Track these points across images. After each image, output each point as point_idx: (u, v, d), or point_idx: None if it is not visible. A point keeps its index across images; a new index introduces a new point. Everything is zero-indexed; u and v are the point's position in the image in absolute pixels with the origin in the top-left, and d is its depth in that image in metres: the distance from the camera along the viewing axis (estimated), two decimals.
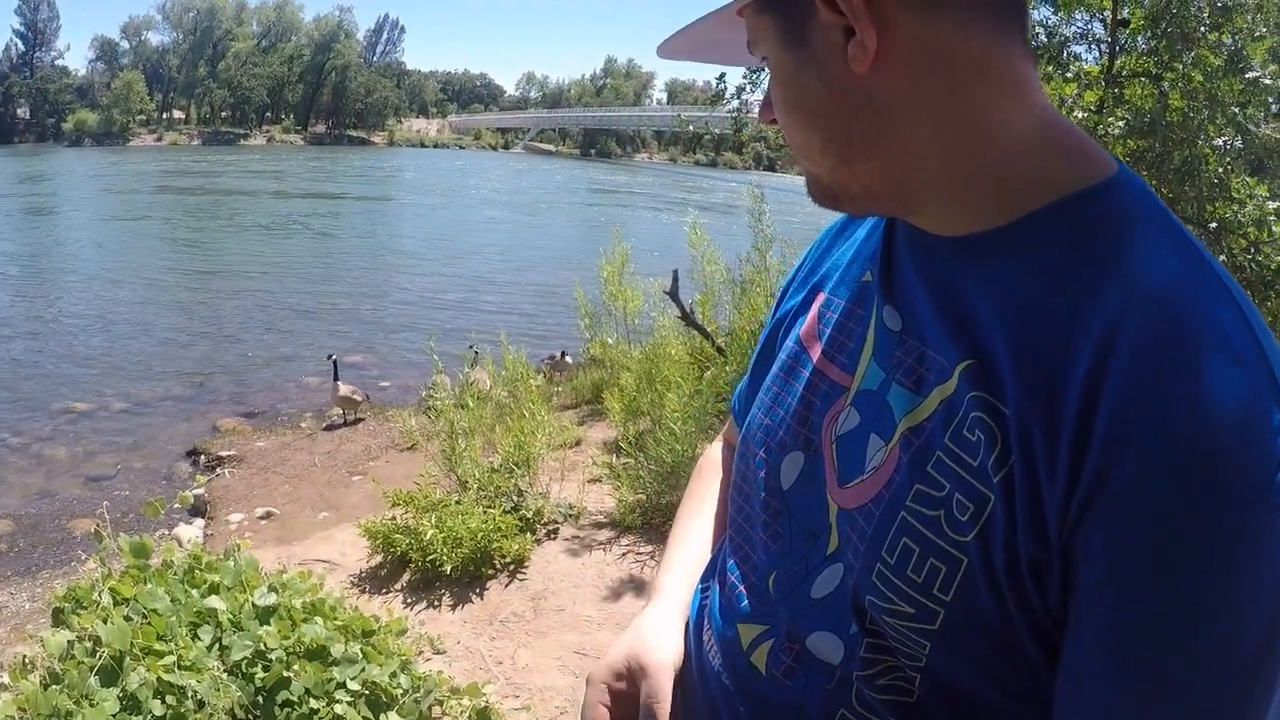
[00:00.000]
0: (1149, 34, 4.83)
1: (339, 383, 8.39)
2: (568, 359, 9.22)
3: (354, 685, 2.59)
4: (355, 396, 8.41)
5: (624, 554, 4.44)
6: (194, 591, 2.78)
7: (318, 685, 2.52)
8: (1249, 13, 4.52)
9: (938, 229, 0.76)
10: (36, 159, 54.28)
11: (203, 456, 7.69)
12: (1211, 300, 0.64)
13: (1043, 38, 5.06)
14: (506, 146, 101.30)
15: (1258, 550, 0.58)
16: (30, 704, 2.19)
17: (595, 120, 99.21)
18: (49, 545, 6.06)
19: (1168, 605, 0.59)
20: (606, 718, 0.94)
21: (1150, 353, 0.61)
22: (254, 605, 2.75)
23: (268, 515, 6.06)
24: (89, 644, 2.45)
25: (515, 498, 4.72)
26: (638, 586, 4.14)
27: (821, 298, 0.94)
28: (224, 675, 2.45)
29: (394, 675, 2.72)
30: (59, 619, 2.69)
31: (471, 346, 7.69)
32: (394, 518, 4.58)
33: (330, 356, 8.71)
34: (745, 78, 6.45)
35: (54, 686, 2.27)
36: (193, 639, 2.58)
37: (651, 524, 4.66)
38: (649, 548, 4.47)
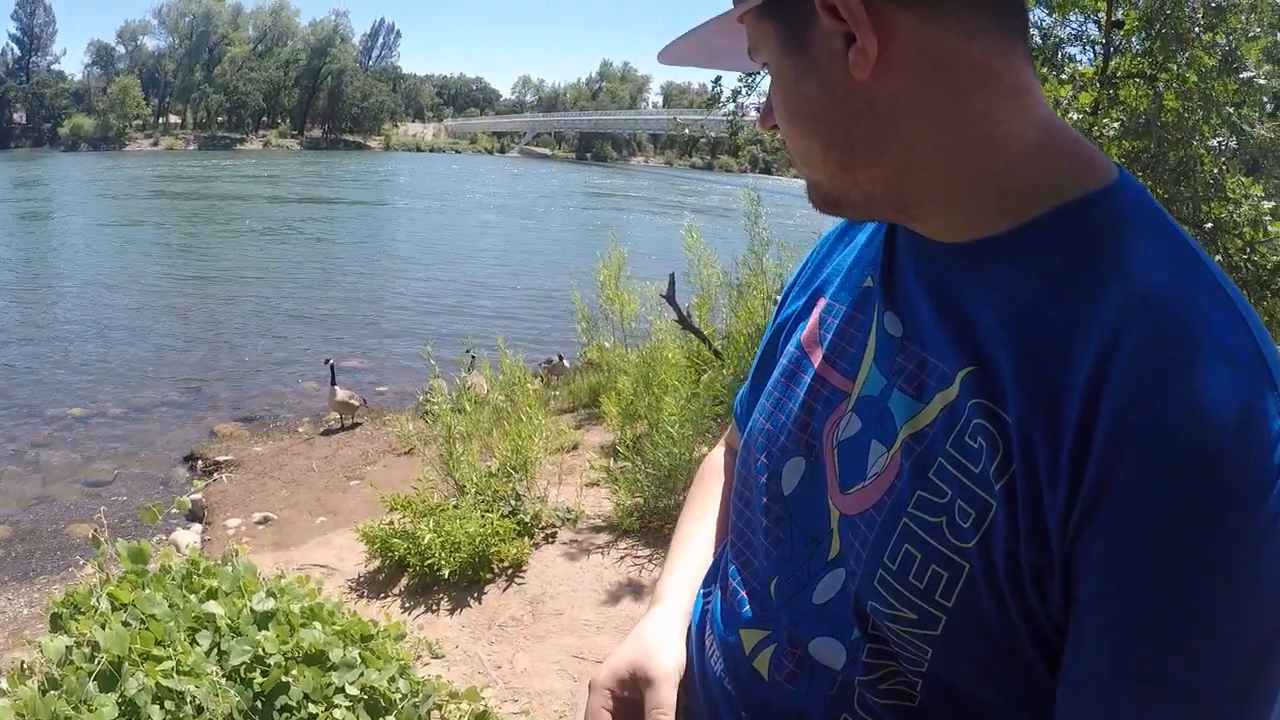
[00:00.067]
0: (1143, 35, 4.85)
1: (336, 387, 8.38)
2: (564, 363, 9.22)
3: (353, 690, 2.59)
4: (352, 401, 8.40)
5: (622, 558, 4.43)
6: (192, 597, 2.77)
7: (316, 690, 2.51)
8: (1243, 13, 4.54)
9: (939, 235, 0.77)
10: (32, 164, 54.11)
11: (200, 462, 7.68)
12: (1211, 304, 0.64)
13: (1037, 39, 5.08)
14: (502, 150, 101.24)
15: (1258, 550, 0.58)
16: (29, 709, 2.18)
17: (591, 124, 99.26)
18: (46, 551, 6.05)
19: (1168, 605, 0.60)
20: None
21: (1150, 355, 0.62)
22: (252, 610, 2.74)
23: (265, 520, 6.05)
24: (87, 649, 2.44)
25: (513, 502, 4.71)
26: (636, 590, 4.14)
27: (823, 303, 0.94)
28: (222, 680, 2.45)
29: (392, 680, 2.71)
30: (57, 624, 2.68)
31: (468, 350, 7.69)
32: (392, 522, 4.57)
33: (327, 361, 8.69)
34: (741, 81, 6.48)
35: (52, 692, 2.27)
36: (191, 644, 2.57)
37: (649, 527, 4.66)
38: (647, 551, 4.47)
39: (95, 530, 2.91)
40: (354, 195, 39.55)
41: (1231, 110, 4.63)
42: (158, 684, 2.34)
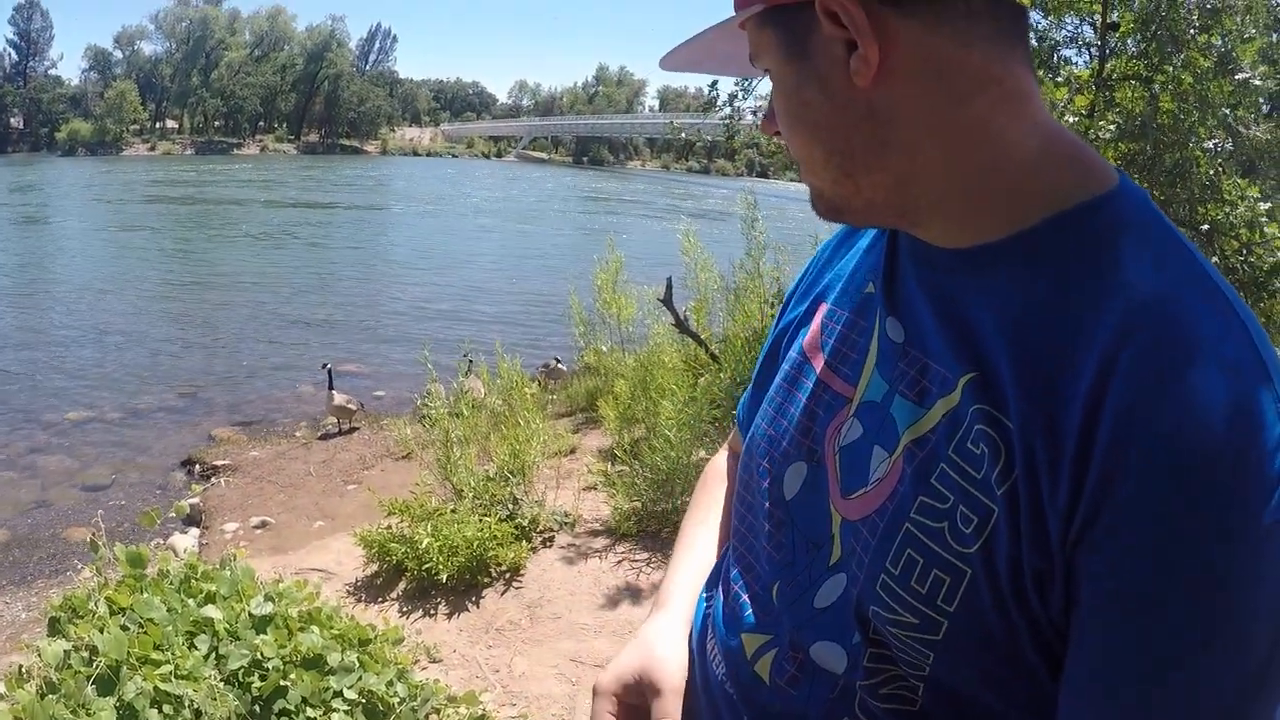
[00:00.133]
0: (1139, 37, 4.85)
1: (334, 392, 8.38)
2: (562, 367, 9.21)
3: (351, 694, 2.59)
4: (350, 405, 8.40)
5: (620, 561, 4.43)
6: (190, 601, 2.77)
7: (314, 694, 2.51)
8: (1238, 14, 4.56)
9: (940, 241, 0.77)
10: (30, 168, 54.03)
11: (198, 466, 7.67)
12: (1211, 308, 0.64)
13: (1033, 42, 5.08)
14: (499, 154, 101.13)
15: (1259, 551, 0.58)
16: (27, 713, 2.18)
17: (588, 128, 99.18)
18: (44, 555, 6.04)
19: (1169, 605, 0.60)
20: None
21: (1150, 359, 0.62)
22: (250, 614, 2.74)
23: (263, 524, 6.04)
24: (85, 653, 2.44)
25: (511, 506, 4.71)
26: (634, 594, 4.14)
27: (824, 309, 0.94)
28: (221, 684, 2.44)
29: (391, 684, 2.71)
30: (55, 628, 2.67)
31: (466, 355, 7.68)
32: (389, 526, 4.57)
33: (325, 365, 8.69)
34: (738, 85, 6.49)
35: (50, 696, 2.26)
36: (189, 648, 2.57)
37: (647, 531, 4.66)
38: (644, 555, 4.47)
39: (93, 534, 2.91)
40: (351, 200, 39.49)
41: (1227, 112, 4.65)
42: (156, 688, 2.34)
